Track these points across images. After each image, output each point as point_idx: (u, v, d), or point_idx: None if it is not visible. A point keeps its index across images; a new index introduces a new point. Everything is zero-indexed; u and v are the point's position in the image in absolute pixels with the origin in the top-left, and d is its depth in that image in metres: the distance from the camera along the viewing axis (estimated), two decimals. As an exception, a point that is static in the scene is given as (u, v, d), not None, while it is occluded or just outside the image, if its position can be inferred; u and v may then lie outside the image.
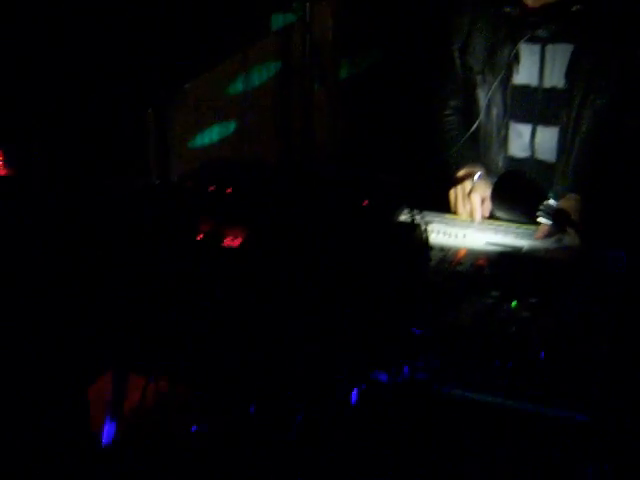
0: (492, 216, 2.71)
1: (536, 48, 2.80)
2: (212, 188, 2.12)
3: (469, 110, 2.98)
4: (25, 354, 2.53)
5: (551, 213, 2.36)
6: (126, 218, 2.13)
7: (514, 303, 2.19)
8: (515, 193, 2.45)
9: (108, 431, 2.52)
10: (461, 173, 2.89)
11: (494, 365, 2.07)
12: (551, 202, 2.37)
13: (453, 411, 2.09)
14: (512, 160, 2.95)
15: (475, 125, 2.88)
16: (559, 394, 2.03)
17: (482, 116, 2.90)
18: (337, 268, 1.93)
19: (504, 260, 2.42)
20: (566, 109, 2.81)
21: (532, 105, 2.86)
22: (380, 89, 4.17)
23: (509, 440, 2.09)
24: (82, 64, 2.47)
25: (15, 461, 2.54)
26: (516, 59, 2.82)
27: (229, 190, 2.11)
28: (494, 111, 2.90)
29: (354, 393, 2.06)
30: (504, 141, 2.93)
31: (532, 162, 2.91)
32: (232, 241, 2.01)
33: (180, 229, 2.06)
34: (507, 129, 2.91)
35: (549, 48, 2.79)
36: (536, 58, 2.81)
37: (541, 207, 2.36)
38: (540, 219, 2.38)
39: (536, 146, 2.90)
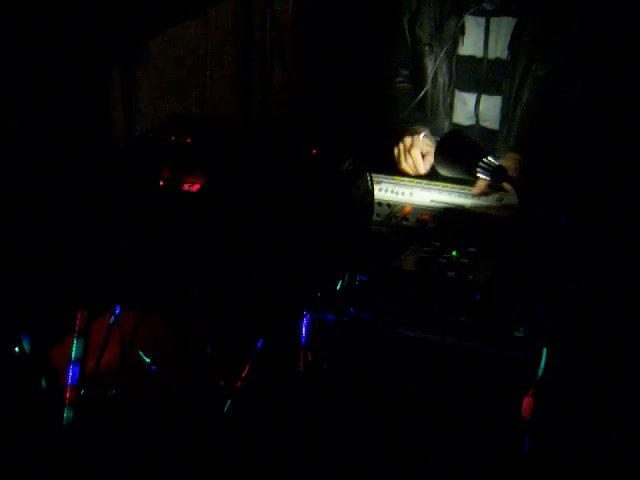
0: (436, 175, 2.87)
1: (481, 21, 2.96)
2: (172, 138, 2.26)
3: (417, 79, 3.13)
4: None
5: (490, 169, 2.51)
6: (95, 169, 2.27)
7: (454, 252, 2.34)
8: (457, 151, 2.59)
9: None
10: (405, 132, 3.04)
11: (433, 306, 2.22)
12: (490, 159, 2.51)
13: (394, 348, 2.24)
14: (457, 127, 3.11)
15: (422, 93, 3.03)
16: (492, 333, 2.19)
17: (429, 85, 3.06)
18: (287, 211, 2.08)
19: (447, 216, 2.57)
20: (509, 79, 2.97)
21: (477, 75, 3.02)
22: (336, 62, 4.28)
23: (446, 374, 2.24)
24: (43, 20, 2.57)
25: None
26: (462, 31, 2.97)
27: (188, 140, 2.25)
28: (440, 80, 3.05)
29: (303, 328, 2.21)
30: (450, 109, 3.09)
31: (476, 129, 3.07)
32: (190, 187, 2.15)
33: (144, 176, 2.20)
34: (452, 97, 3.07)
35: (494, 21, 2.94)
36: (481, 30, 2.97)
37: (480, 164, 2.50)
38: (480, 175, 2.52)
39: (480, 114, 3.06)
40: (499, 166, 2.52)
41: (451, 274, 2.24)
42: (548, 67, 2.94)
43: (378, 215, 2.58)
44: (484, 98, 3.04)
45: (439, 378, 2.25)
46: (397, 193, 2.70)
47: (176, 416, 2.77)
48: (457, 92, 3.08)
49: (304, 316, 2.22)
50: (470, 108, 3.07)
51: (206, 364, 2.55)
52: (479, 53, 3.00)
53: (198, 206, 2.12)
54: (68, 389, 2.59)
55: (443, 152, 2.61)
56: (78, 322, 2.53)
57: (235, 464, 2.58)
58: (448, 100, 3.08)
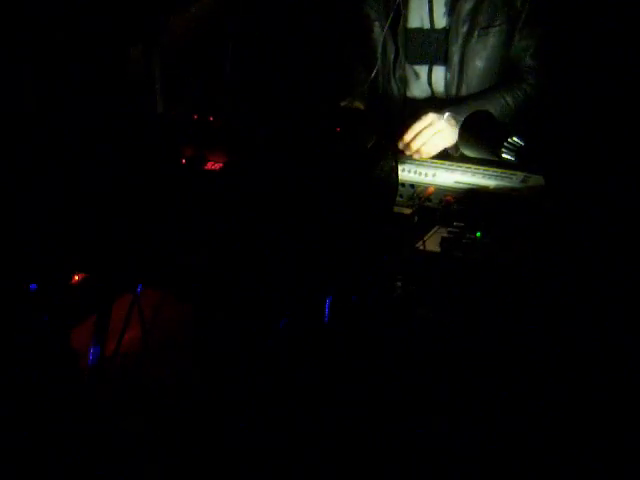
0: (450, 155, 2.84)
1: None
2: (195, 117, 2.25)
3: (367, 58, 3.15)
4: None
5: (515, 150, 2.48)
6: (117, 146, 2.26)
7: (478, 233, 2.31)
8: (481, 131, 2.56)
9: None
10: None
11: (455, 288, 2.20)
12: (515, 139, 2.48)
13: (417, 330, 2.22)
14: (414, 101, 3.13)
15: (375, 71, 3.05)
16: (517, 314, 2.17)
17: (379, 61, 3.07)
18: (310, 190, 2.06)
19: (471, 197, 2.54)
20: (455, 47, 2.97)
21: (427, 47, 3.03)
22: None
23: (470, 357, 2.22)
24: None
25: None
26: (404, 4, 2.99)
27: (210, 118, 2.23)
28: (389, 55, 3.07)
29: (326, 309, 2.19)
30: (401, 83, 3.11)
31: (432, 102, 3.07)
32: (213, 165, 2.14)
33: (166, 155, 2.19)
34: (403, 71, 3.09)
35: None
36: (425, 1, 2.99)
37: (506, 144, 2.48)
38: (505, 155, 2.49)
39: (433, 85, 3.07)
40: (525, 146, 2.49)
41: (475, 255, 2.22)
42: (492, 32, 2.94)
43: (401, 196, 2.56)
44: (435, 69, 3.05)
45: (462, 361, 2.22)
46: (420, 174, 2.68)
47: (196, 398, 2.76)
48: (408, 65, 3.09)
49: (327, 297, 2.20)
50: (423, 80, 3.08)
51: (226, 345, 2.54)
52: (426, 24, 3.01)
53: (221, 185, 2.10)
54: (88, 371, 2.59)
55: (467, 132, 2.58)
56: (99, 303, 2.52)
57: (253, 448, 2.57)
58: (397, 74, 3.08)
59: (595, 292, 2.20)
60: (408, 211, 2.48)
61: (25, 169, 2.46)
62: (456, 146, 2.81)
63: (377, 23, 3.07)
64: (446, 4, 2.97)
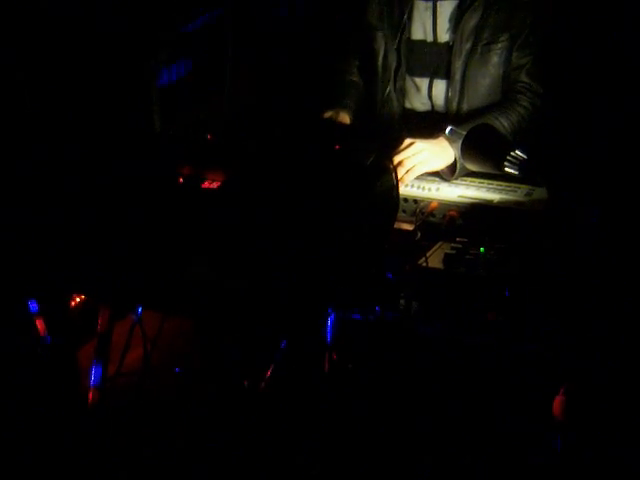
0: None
1: (429, 5, 2.95)
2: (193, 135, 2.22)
3: (366, 67, 3.14)
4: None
5: (518, 163, 2.45)
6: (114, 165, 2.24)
7: (482, 249, 2.28)
8: (484, 145, 2.53)
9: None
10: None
11: (461, 304, 2.17)
12: (518, 152, 2.45)
13: (421, 347, 2.19)
14: (413, 113, 3.10)
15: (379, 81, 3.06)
16: (521, 330, 2.13)
17: (380, 71, 3.06)
18: (310, 208, 2.03)
19: (475, 212, 2.51)
20: (457, 62, 2.94)
21: (428, 59, 3.01)
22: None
23: (475, 373, 2.19)
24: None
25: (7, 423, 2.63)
26: (409, 16, 2.98)
27: (209, 137, 2.21)
28: (392, 66, 3.04)
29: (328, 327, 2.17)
30: (401, 94, 3.08)
31: (432, 115, 3.05)
32: (211, 184, 2.11)
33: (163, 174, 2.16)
34: (403, 82, 3.06)
35: (440, 5, 2.94)
36: (429, 14, 2.96)
37: (509, 158, 2.45)
38: (507, 169, 2.47)
39: (434, 99, 3.04)
40: (528, 159, 2.46)
41: (479, 271, 2.19)
42: (495, 49, 2.93)
43: (404, 211, 2.54)
44: (436, 82, 3.02)
45: (468, 377, 2.20)
46: (423, 188, 2.65)
47: (199, 418, 2.73)
48: (409, 77, 3.06)
49: (329, 315, 2.17)
50: (424, 93, 3.05)
51: (229, 365, 2.51)
52: (429, 37, 3.00)
53: (219, 204, 2.07)
54: (90, 391, 2.57)
55: (471, 146, 2.55)
56: (100, 324, 2.50)
57: (256, 465, 2.55)
58: (397, 85, 3.06)
59: (598, 303, 2.18)
60: (411, 227, 2.45)
61: (24, 188, 2.45)
62: (450, 169, 2.76)
63: (380, 33, 3.05)
64: (450, 19, 2.94)
